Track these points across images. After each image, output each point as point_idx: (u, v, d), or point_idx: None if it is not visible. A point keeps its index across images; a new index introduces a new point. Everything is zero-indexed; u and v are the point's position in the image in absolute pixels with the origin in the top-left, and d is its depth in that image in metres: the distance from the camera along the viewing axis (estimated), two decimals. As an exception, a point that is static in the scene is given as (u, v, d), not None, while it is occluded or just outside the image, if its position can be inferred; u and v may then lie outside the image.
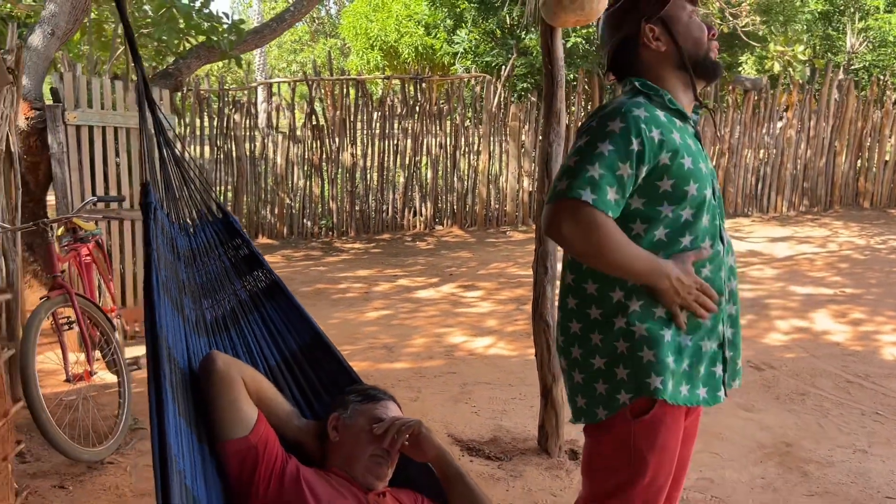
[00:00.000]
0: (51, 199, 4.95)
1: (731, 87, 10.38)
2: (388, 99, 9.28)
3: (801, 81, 10.05)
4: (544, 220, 1.54)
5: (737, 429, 3.59)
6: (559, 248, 2.82)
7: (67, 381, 3.24)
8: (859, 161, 10.71)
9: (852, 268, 7.08)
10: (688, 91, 1.69)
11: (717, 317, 1.64)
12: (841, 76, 10.98)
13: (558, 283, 1.82)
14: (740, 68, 12.00)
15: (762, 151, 10.29)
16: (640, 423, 1.57)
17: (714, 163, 10.14)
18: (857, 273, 6.86)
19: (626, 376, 1.57)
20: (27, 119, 4.44)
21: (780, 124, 10.27)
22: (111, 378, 3.76)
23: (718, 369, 1.66)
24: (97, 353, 3.60)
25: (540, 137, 9.71)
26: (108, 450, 3.18)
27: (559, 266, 1.88)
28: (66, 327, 3.35)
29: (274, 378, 1.94)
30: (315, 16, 26.78)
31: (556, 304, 1.81)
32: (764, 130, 10.21)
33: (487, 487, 2.98)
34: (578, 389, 1.65)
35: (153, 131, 1.88)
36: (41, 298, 3.13)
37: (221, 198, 8.93)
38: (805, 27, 11.48)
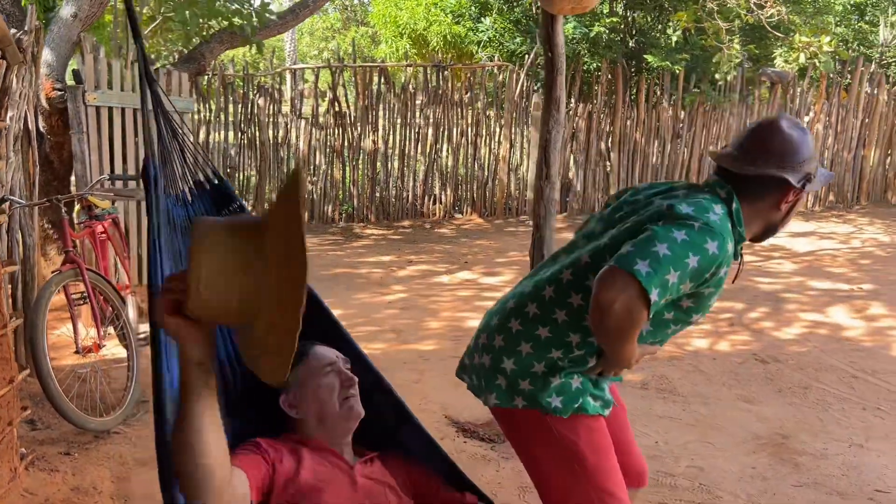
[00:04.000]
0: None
1: (757, 80, 10.24)
2: (410, 86, 9.33)
3: (827, 73, 9.86)
4: (604, 278, 1.53)
5: (734, 420, 3.60)
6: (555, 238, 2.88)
7: (77, 352, 3.36)
8: (889, 157, 10.51)
9: (874, 264, 6.98)
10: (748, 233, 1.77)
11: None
12: (873, 69, 10.76)
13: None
14: (773, 61, 11.83)
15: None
16: (557, 419, 1.73)
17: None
18: (879, 270, 6.76)
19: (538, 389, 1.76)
20: (49, 99, 4.57)
21: (807, 118, 10.10)
22: (122, 353, 3.88)
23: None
24: (111, 329, 3.72)
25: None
26: (114, 420, 3.30)
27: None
28: (78, 302, 3.48)
29: None
30: (347, 4, 26.89)
31: (520, 293, 1.86)
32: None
33: (479, 468, 3.03)
34: (506, 374, 1.78)
35: (152, 106, 1.94)
36: (52, 272, 3.25)
37: (245, 182, 9.06)
38: (837, 19, 11.26)
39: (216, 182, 2.09)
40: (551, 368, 1.73)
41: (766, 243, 2.00)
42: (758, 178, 1.69)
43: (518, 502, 2.84)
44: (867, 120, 10.23)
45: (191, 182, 2.05)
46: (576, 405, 1.74)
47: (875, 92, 10.17)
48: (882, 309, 5.44)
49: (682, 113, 9.86)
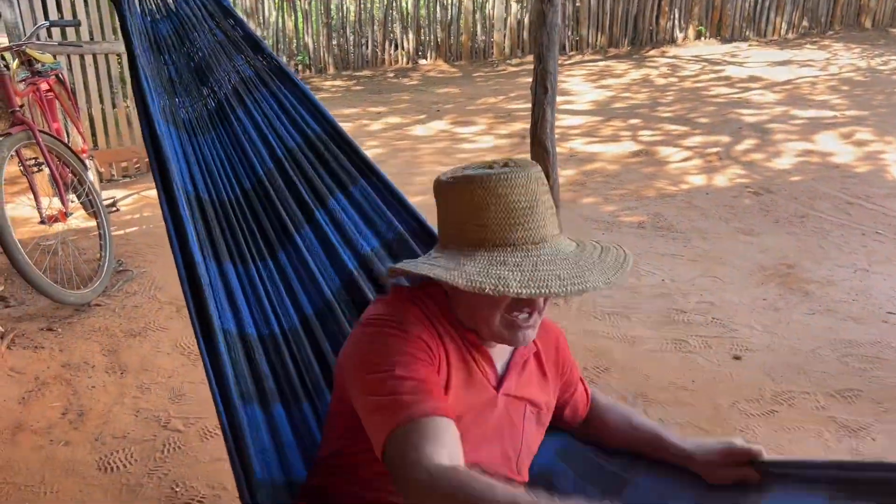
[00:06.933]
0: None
1: None
2: (362, -82, 8.50)
3: None
4: None
5: (737, 252, 3.53)
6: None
7: (42, 223, 3.07)
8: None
9: (853, 90, 6.83)
10: None
11: None
12: None
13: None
14: None
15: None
16: None
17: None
18: (859, 95, 6.62)
19: None
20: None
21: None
22: (89, 222, 3.60)
23: None
24: (72, 196, 3.42)
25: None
26: (93, 292, 3.09)
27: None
28: (34, 168, 3.15)
29: (295, 160, 1.65)
30: None
31: None
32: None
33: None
34: None
35: None
36: (0, 135, 2.89)
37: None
38: None
39: None
40: None
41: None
42: None
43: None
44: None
45: None
46: None
47: None
48: (869, 135, 5.34)
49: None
